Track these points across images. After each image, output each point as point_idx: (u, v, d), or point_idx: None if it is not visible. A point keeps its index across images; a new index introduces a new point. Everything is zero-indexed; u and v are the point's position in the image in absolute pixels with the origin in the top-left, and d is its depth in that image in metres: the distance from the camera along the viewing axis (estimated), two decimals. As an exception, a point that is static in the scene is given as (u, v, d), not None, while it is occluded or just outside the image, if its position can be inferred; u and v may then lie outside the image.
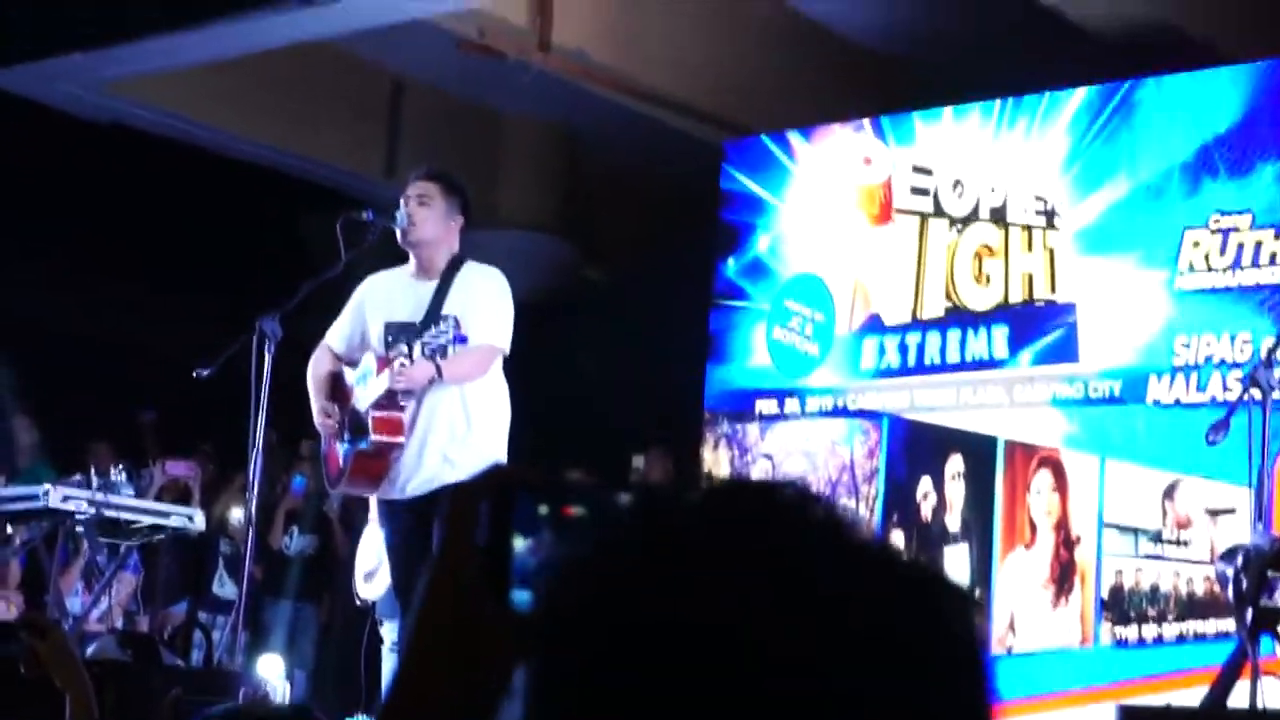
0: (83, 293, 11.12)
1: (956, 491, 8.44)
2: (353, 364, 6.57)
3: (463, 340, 6.13)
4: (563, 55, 10.04)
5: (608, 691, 0.98)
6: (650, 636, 0.98)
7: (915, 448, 8.66)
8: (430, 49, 10.30)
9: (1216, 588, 6.62)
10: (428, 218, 6.47)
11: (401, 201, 6.54)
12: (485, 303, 6.39)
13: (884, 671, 0.97)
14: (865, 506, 8.78)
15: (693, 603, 0.98)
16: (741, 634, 0.96)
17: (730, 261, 9.57)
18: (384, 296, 6.58)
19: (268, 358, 6.68)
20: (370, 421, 6.34)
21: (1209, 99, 8.00)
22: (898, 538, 8.62)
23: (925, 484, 8.55)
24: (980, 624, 1.05)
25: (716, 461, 9.38)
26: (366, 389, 6.39)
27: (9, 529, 8.22)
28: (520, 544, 1.19)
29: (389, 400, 6.32)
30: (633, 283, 11.56)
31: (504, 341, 6.40)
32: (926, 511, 8.54)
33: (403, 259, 6.67)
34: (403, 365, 6.11)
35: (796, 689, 0.96)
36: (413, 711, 1.22)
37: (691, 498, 1.06)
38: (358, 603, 8.12)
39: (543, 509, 1.19)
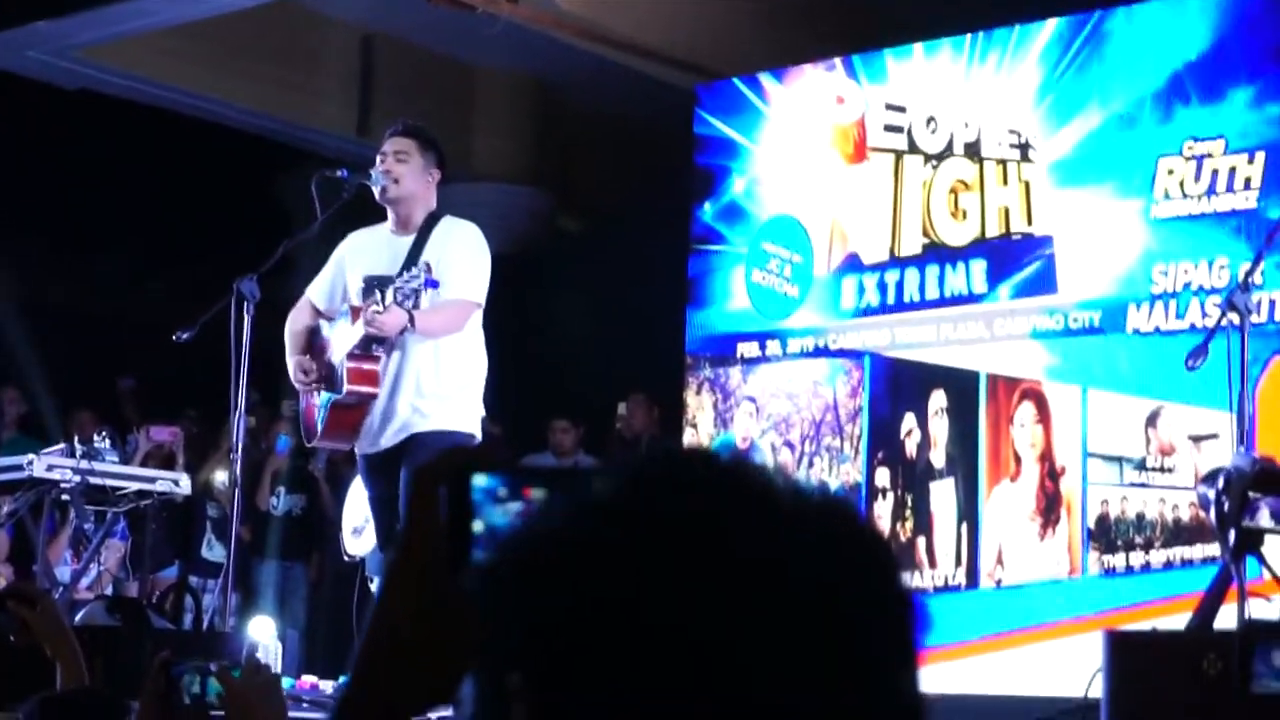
0: (59, 262, 11.09)
1: (940, 427, 8.46)
2: (331, 319, 6.57)
3: (434, 285, 6.12)
4: (532, 5, 10.01)
5: (538, 666, 1.02)
6: (573, 614, 1.01)
7: (897, 385, 8.68)
8: (399, 3, 10.26)
9: (1201, 512, 6.65)
10: (405, 173, 6.48)
11: (378, 159, 6.54)
12: (461, 256, 6.40)
13: (801, 632, 1.00)
14: (850, 445, 8.80)
15: (612, 578, 1.01)
16: (653, 608, 1.00)
17: (706, 206, 9.55)
18: (363, 251, 6.58)
19: (247, 319, 6.70)
20: (345, 372, 6.35)
21: (1179, 26, 7.98)
22: (883, 475, 8.66)
23: (909, 421, 8.57)
24: (897, 570, 1.08)
25: (700, 406, 9.40)
26: (342, 339, 6.40)
27: (1, 502, 8.21)
28: (479, 526, 1.20)
29: (363, 350, 6.33)
30: (609, 230, 11.56)
31: (479, 295, 6.41)
32: (911, 448, 8.56)
33: (379, 216, 6.67)
34: (375, 312, 6.12)
35: (716, 655, 0.99)
36: (376, 691, 1.24)
37: (624, 472, 1.09)
38: (345, 559, 8.13)
39: (502, 491, 1.20)
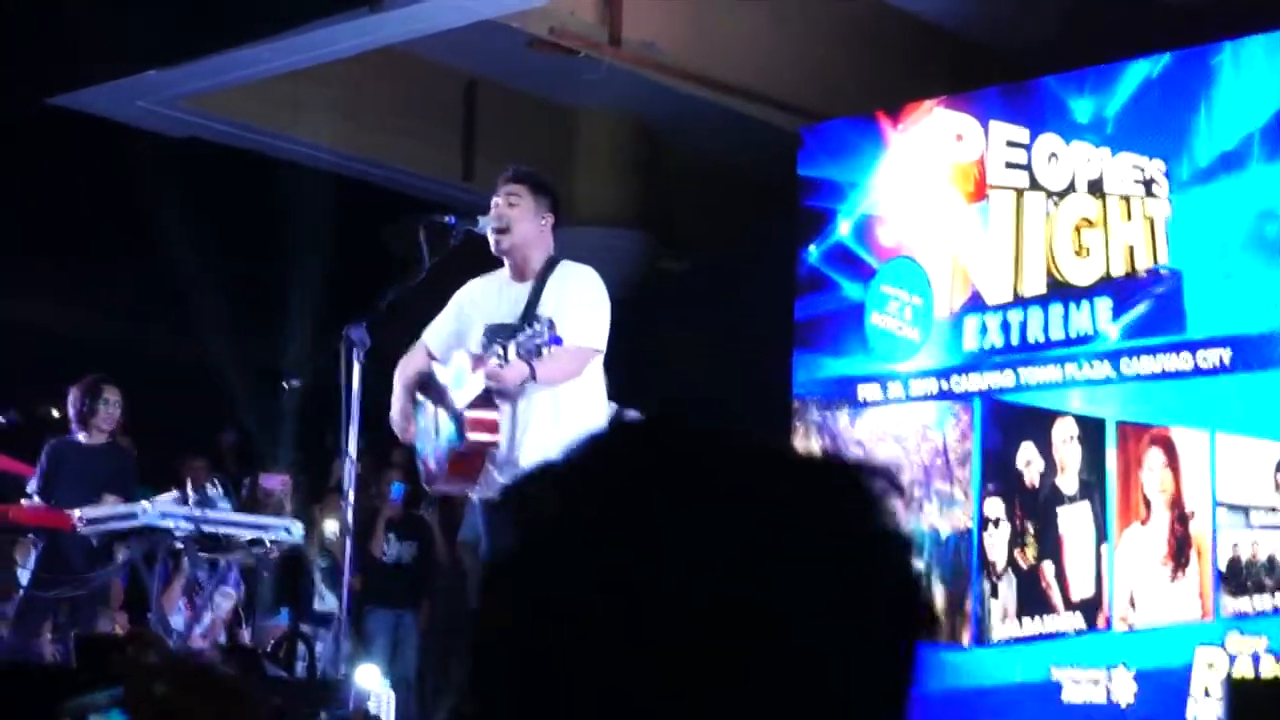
0: (169, 310, 11.18)
1: (1071, 453, 8.33)
2: (444, 363, 6.56)
3: (558, 341, 6.09)
4: (634, 48, 10.01)
5: (537, 639, 0.98)
6: (570, 589, 0.98)
7: (1012, 423, 8.58)
8: (501, 48, 10.28)
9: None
10: (519, 218, 6.43)
11: (491, 205, 6.51)
12: (580, 303, 6.36)
13: (798, 580, 0.97)
14: (960, 490, 8.71)
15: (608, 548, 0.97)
16: (681, 586, 0.96)
17: (812, 248, 9.51)
18: (482, 299, 6.55)
19: (357, 366, 6.68)
20: (465, 421, 6.32)
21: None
22: (996, 506, 8.56)
23: (1028, 450, 8.46)
24: (893, 512, 1.05)
25: (807, 449, 9.32)
26: (462, 390, 6.38)
27: (116, 550, 8.27)
28: None
29: (484, 400, 6.31)
30: (714, 273, 11.52)
31: (599, 342, 6.36)
32: (1032, 477, 8.44)
33: (485, 261, 6.65)
34: (497, 366, 6.10)
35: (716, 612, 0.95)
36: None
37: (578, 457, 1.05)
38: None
39: None
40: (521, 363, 6.09)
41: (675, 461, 1.01)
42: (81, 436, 8.83)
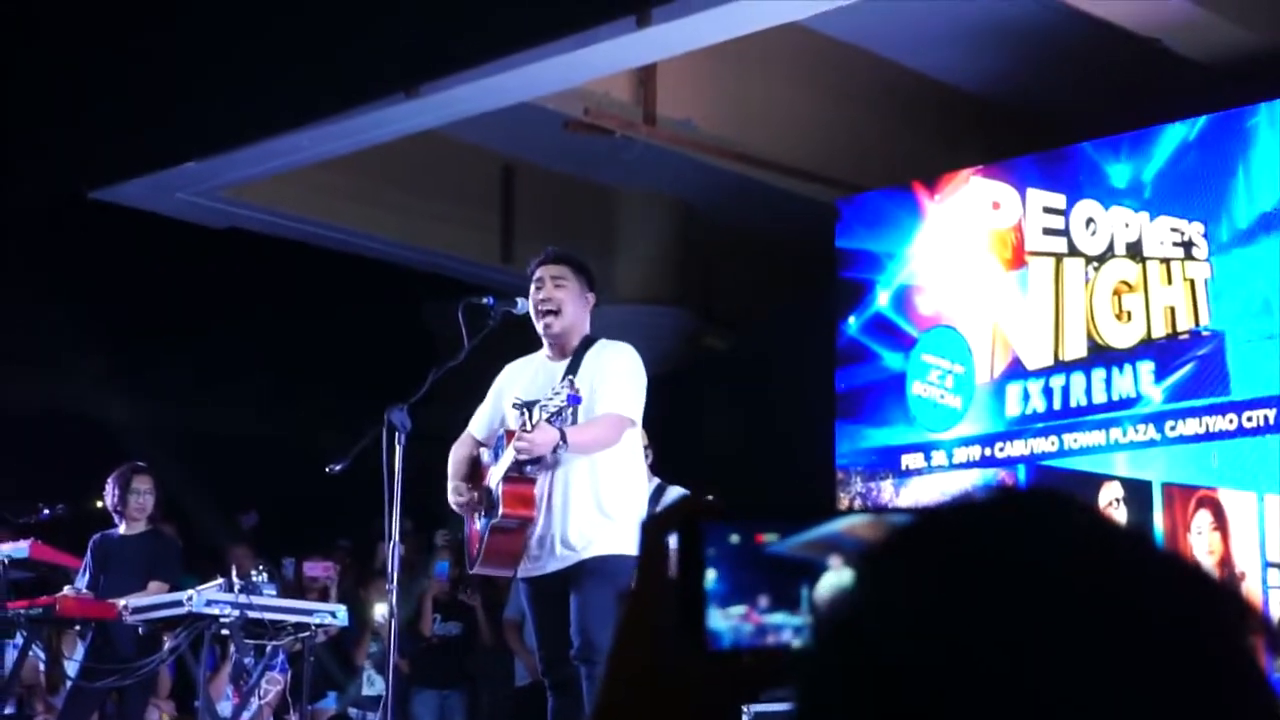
0: (211, 398, 11.23)
1: (1118, 517, 8.27)
2: (492, 449, 6.55)
3: (575, 400, 6.08)
4: (669, 126, 10.05)
5: None
6: (920, 679, 0.89)
7: (1061, 486, 8.53)
8: (538, 130, 10.33)
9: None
10: (567, 300, 6.43)
11: (533, 287, 6.49)
12: (613, 373, 6.34)
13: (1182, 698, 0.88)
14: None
15: (974, 640, 0.89)
16: (1027, 674, 0.88)
17: (851, 319, 9.50)
18: (519, 379, 6.54)
19: (398, 449, 6.67)
20: (500, 494, 6.31)
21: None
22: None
23: (1075, 516, 8.40)
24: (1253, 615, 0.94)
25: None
26: (498, 465, 6.38)
27: (163, 639, 8.27)
28: (712, 576, 1.15)
29: (518, 473, 6.29)
30: (755, 346, 11.51)
31: (632, 411, 6.33)
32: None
33: (524, 342, 6.66)
34: (524, 431, 6.09)
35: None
36: None
37: (945, 515, 0.97)
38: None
39: (734, 538, 1.14)
40: (549, 427, 6.07)
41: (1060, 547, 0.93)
42: (122, 528, 8.86)
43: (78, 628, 8.70)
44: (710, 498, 1.20)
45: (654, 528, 1.16)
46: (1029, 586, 0.90)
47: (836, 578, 1.14)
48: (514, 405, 6.39)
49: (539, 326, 6.46)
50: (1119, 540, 0.95)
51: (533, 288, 6.48)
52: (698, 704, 1.14)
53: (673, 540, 1.16)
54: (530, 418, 6.10)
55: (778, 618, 1.14)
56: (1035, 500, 0.97)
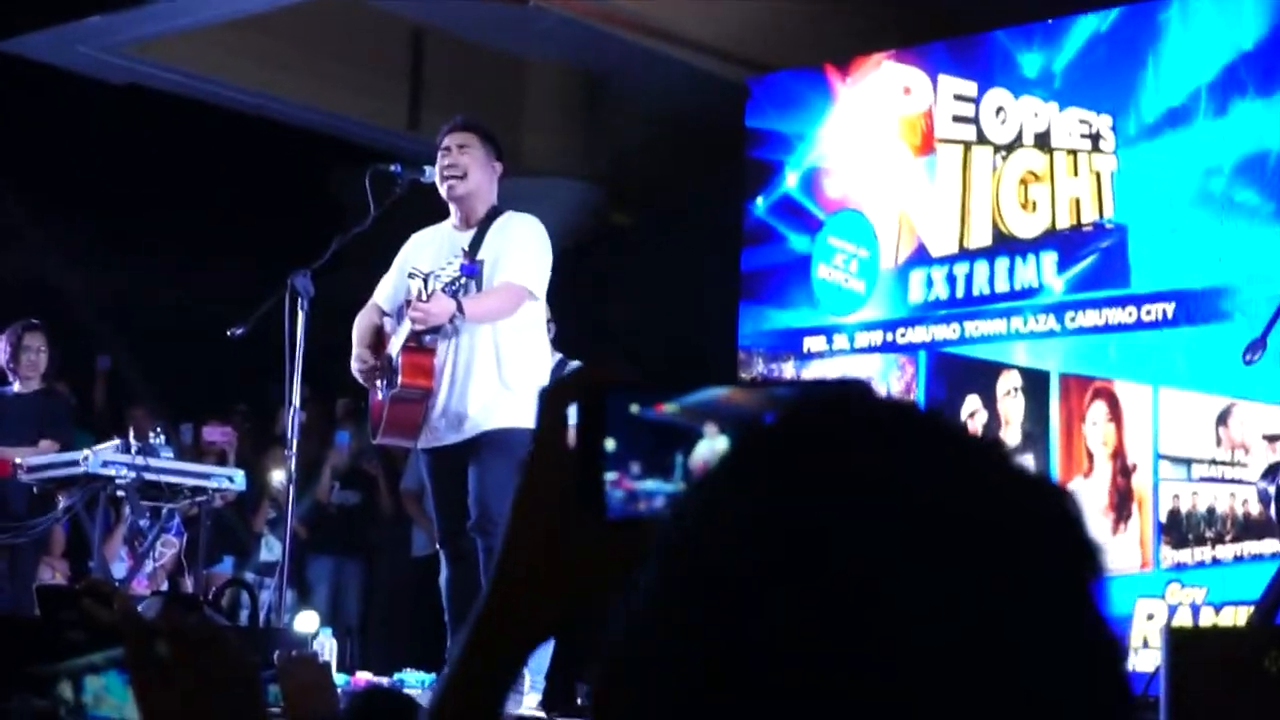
0: (108, 256, 11.09)
1: (1014, 406, 8.37)
2: (396, 319, 6.53)
3: (471, 271, 6.09)
4: (583, -2, 9.96)
5: (726, 602, 0.87)
6: (781, 543, 0.86)
7: (958, 375, 8.61)
8: (450, -3, 10.22)
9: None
10: (472, 165, 6.43)
11: (439, 154, 6.48)
12: (516, 245, 6.35)
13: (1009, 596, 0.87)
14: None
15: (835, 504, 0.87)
16: (878, 540, 0.86)
17: (759, 200, 9.50)
18: (424, 249, 6.53)
19: (301, 315, 6.64)
20: (399, 365, 6.30)
21: (1233, 17, 7.91)
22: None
23: (973, 402, 8.50)
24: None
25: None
26: (397, 335, 6.37)
27: (57, 498, 8.23)
28: (611, 445, 1.13)
29: (416, 342, 6.28)
30: (661, 225, 11.50)
31: (533, 282, 6.33)
32: (976, 429, 8.46)
33: (431, 211, 6.63)
34: (419, 301, 6.08)
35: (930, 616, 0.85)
36: (506, 623, 1.18)
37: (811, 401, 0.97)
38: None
39: (634, 408, 1.13)
40: (445, 297, 6.07)
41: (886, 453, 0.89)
42: (16, 385, 8.82)
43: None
44: (616, 363, 1.20)
45: (555, 396, 1.16)
46: (858, 493, 0.88)
47: (710, 445, 1.14)
48: (410, 275, 6.39)
49: (443, 190, 6.45)
50: (968, 452, 0.93)
51: (439, 155, 6.47)
52: (595, 572, 1.14)
53: (572, 411, 1.15)
54: (426, 288, 6.09)
55: (649, 484, 1.14)
56: (873, 408, 0.95)
